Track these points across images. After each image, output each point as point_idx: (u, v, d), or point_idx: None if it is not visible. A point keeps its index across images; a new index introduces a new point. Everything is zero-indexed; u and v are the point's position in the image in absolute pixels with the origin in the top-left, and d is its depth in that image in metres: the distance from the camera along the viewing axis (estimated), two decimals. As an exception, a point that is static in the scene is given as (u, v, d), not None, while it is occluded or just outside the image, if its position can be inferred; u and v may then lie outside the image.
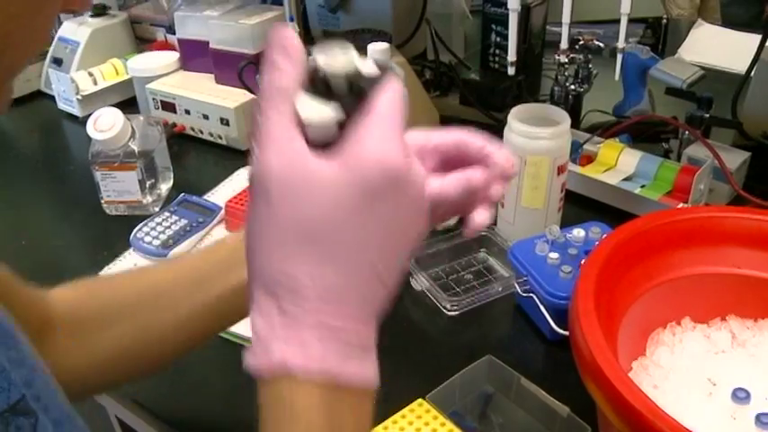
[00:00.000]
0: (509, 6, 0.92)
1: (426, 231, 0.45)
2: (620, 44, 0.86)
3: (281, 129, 0.39)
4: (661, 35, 1.58)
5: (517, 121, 0.91)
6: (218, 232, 1.06)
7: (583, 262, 0.70)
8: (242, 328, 0.84)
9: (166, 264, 0.64)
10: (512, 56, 0.96)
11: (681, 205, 0.97)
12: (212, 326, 0.65)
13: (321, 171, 0.39)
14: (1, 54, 0.38)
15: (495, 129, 1.16)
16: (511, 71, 0.98)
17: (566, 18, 0.87)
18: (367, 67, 0.42)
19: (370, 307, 0.41)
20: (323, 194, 0.38)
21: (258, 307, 0.40)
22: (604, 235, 0.86)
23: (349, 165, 0.39)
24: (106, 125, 1.04)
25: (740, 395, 0.62)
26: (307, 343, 0.39)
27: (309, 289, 0.39)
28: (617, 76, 0.91)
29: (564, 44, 0.92)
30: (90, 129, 1.04)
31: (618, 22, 0.94)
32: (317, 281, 0.39)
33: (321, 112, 0.40)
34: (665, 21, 1.57)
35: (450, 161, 0.52)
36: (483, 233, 0.99)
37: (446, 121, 1.30)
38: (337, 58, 0.40)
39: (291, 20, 1.24)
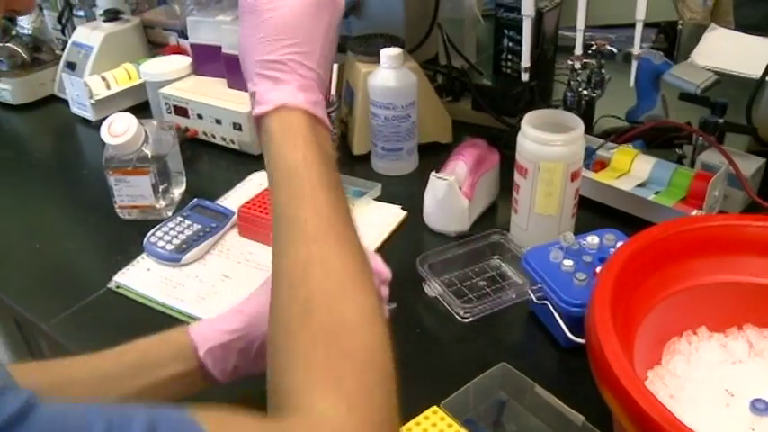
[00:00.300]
0: (523, 12, 0.91)
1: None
2: (636, 51, 0.85)
3: None
4: (675, 39, 1.57)
5: (530, 127, 0.91)
6: (230, 237, 1.06)
7: (599, 270, 0.70)
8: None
9: (84, 358, 0.66)
10: (526, 62, 0.96)
11: (695, 212, 0.96)
12: None
13: None
14: None
15: (508, 134, 1.18)
16: (525, 77, 0.98)
17: (580, 25, 0.87)
18: None
19: (324, 75, 0.64)
20: (293, 6, 0.62)
21: (255, 83, 0.62)
22: (619, 242, 0.86)
23: None
24: (120, 130, 1.04)
25: (759, 406, 0.62)
26: (294, 93, 0.61)
27: (292, 63, 0.62)
28: (632, 83, 0.91)
29: (578, 50, 0.92)
30: (104, 133, 1.05)
31: (630, 26, 0.93)
32: (295, 58, 0.62)
33: None
34: (679, 26, 1.56)
35: None
36: (496, 239, 0.98)
37: (458, 126, 1.30)
38: None
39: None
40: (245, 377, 0.70)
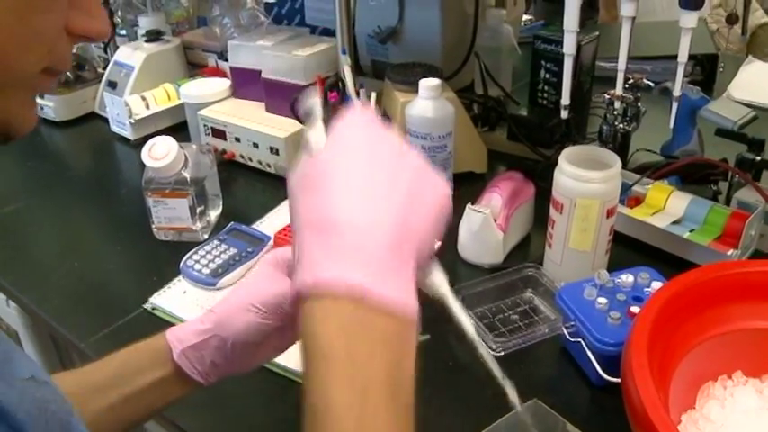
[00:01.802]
0: (565, 51, 0.92)
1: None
2: (676, 93, 0.85)
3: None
4: (711, 72, 1.57)
5: (567, 162, 0.92)
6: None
7: (636, 312, 0.70)
8: (285, 359, 0.86)
9: (73, 372, 0.68)
10: (565, 99, 0.96)
11: (731, 252, 0.96)
12: (109, 429, 0.68)
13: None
14: None
15: (543, 166, 1.18)
16: (564, 114, 0.98)
17: (621, 66, 0.87)
18: None
19: (404, 244, 0.47)
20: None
21: (302, 245, 0.47)
22: (653, 281, 0.86)
23: None
24: (161, 153, 1.06)
25: (795, 456, 0.61)
26: (343, 266, 0.44)
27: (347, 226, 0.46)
28: (671, 124, 0.91)
29: (619, 90, 0.92)
30: (145, 156, 1.07)
31: (666, 58, 0.93)
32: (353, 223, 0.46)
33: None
34: (721, 66, 1.56)
35: None
36: (530, 273, 0.99)
37: (493, 155, 1.30)
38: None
39: (344, 52, 1.25)
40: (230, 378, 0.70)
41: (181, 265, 1.05)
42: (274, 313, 0.63)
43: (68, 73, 1.59)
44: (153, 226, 1.14)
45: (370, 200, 0.47)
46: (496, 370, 0.56)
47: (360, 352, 0.43)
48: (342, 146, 0.51)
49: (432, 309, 0.84)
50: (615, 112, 1.17)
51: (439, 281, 0.53)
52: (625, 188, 1.06)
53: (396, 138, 0.51)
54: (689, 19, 0.82)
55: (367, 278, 0.44)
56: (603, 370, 0.79)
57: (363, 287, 0.44)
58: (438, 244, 0.52)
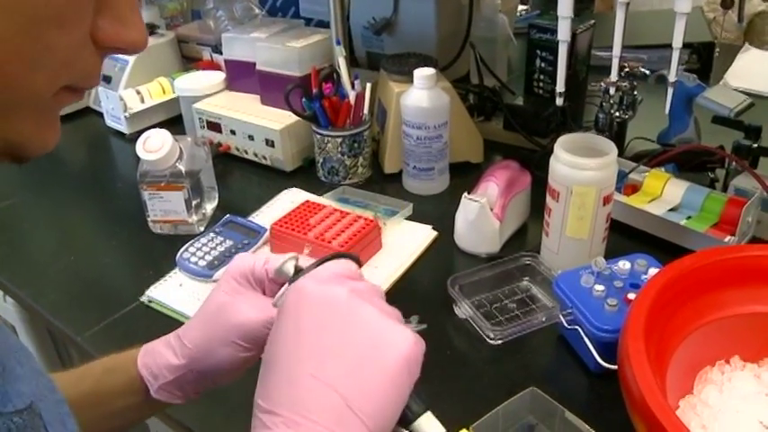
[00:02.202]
0: (559, 38, 0.91)
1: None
2: (672, 78, 0.85)
3: None
4: (708, 60, 1.57)
5: (563, 150, 0.91)
6: (262, 253, 1.06)
7: (632, 299, 0.69)
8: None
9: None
10: (560, 87, 0.95)
11: (728, 238, 0.96)
12: None
13: None
14: None
15: (539, 155, 1.18)
16: (559, 102, 0.98)
17: (616, 51, 0.87)
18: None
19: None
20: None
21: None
22: (650, 268, 0.85)
23: None
24: (155, 146, 1.06)
25: (793, 440, 0.61)
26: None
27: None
28: (667, 110, 0.91)
29: (613, 77, 0.92)
30: (139, 149, 1.06)
31: (662, 46, 0.93)
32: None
33: None
34: (717, 52, 1.56)
35: None
36: (526, 261, 0.99)
37: (489, 145, 1.30)
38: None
39: (338, 43, 1.24)
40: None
41: (177, 257, 1.04)
42: (256, 343, 0.59)
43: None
44: (148, 219, 1.13)
45: (331, 385, 0.46)
46: None
47: None
48: (306, 320, 0.49)
49: (428, 299, 0.84)
50: (611, 101, 1.17)
51: (429, 425, 0.50)
52: (622, 176, 1.06)
53: (371, 313, 0.49)
54: (684, 4, 0.82)
55: None
56: (601, 357, 0.79)
57: None
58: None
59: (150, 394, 0.63)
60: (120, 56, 1.51)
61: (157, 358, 0.63)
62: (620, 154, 1.15)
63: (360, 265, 0.56)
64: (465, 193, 1.03)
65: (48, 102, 0.39)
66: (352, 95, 1.20)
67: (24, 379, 0.42)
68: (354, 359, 0.47)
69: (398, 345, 0.47)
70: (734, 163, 1.07)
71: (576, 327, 0.82)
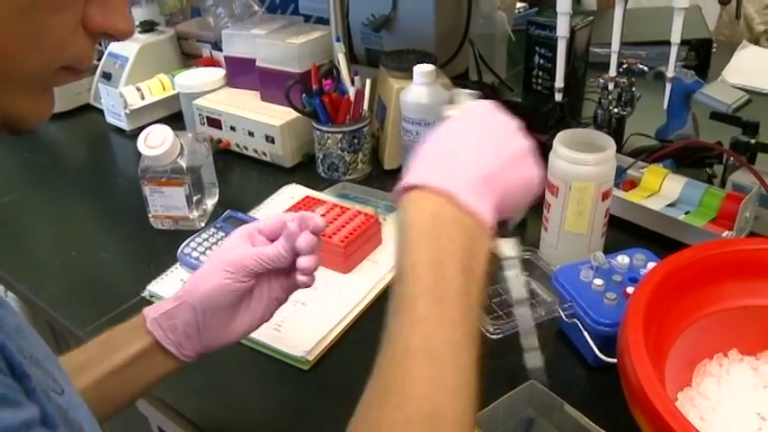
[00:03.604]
0: (558, 34, 0.92)
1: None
2: (669, 73, 0.86)
3: None
4: (705, 57, 1.57)
5: (562, 146, 0.92)
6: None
7: (631, 292, 0.70)
8: (280, 342, 0.86)
9: (63, 357, 0.70)
10: (559, 82, 0.96)
11: (726, 233, 0.96)
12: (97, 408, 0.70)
13: None
14: None
15: (538, 151, 1.18)
16: (558, 97, 0.98)
17: (615, 47, 0.87)
18: None
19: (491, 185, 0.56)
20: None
21: (413, 163, 0.57)
22: (649, 262, 0.86)
23: None
24: (156, 142, 1.06)
25: (790, 431, 0.62)
26: (443, 177, 0.55)
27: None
28: (665, 105, 0.91)
29: (612, 72, 0.92)
30: (140, 145, 1.07)
31: (660, 43, 0.93)
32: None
33: None
34: (714, 48, 1.56)
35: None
36: (526, 256, 0.99)
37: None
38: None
39: (338, 40, 1.25)
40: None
41: (178, 253, 1.05)
42: (239, 272, 0.69)
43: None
44: (149, 215, 1.14)
45: (476, 151, 0.57)
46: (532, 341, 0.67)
47: (444, 232, 0.53)
48: (469, 119, 0.61)
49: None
50: (610, 97, 1.18)
51: (510, 247, 0.64)
52: (620, 171, 1.06)
53: (513, 125, 0.61)
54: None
55: (459, 189, 0.54)
56: (600, 350, 0.80)
57: (455, 192, 0.53)
58: (520, 215, 0.64)
59: (152, 340, 0.69)
60: (121, 53, 1.52)
61: (158, 302, 0.72)
62: (619, 150, 1.16)
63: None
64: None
65: (46, 79, 0.45)
66: (351, 92, 1.20)
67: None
68: (503, 155, 0.57)
69: (534, 170, 0.60)
70: (732, 159, 1.08)
71: (575, 320, 0.83)
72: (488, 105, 0.63)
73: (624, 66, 1.18)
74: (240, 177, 1.33)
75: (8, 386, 0.38)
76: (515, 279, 0.64)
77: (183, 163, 1.09)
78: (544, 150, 0.96)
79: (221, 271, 0.68)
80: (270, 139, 1.28)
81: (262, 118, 1.28)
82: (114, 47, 1.54)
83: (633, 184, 1.09)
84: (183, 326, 0.69)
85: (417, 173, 0.56)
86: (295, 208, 1.09)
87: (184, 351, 0.70)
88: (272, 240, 0.73)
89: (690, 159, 1.15)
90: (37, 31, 0.41)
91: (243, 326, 0.71)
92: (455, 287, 0.52)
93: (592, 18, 1.31)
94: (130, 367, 0.68)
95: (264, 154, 1.31)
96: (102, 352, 0.69)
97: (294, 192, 1.21)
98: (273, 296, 0.73)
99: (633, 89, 1.18)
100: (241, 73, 1.39)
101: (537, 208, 0.99)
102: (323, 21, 1.46)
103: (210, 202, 1.19)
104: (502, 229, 0.60)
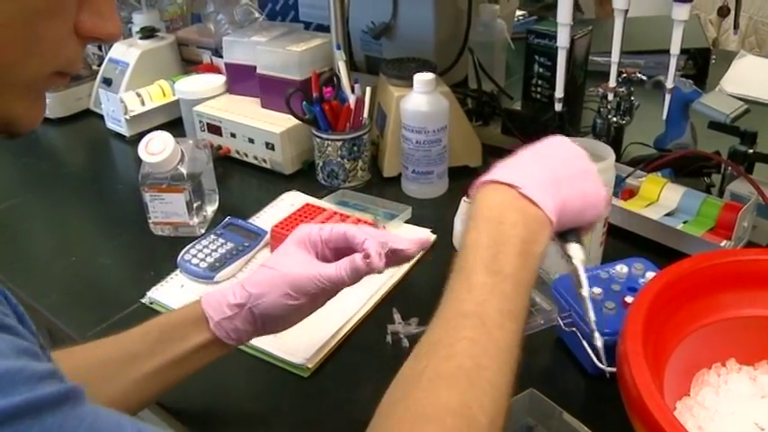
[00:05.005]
0: (558, 44, 0.93)
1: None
2: (669, 84, 0.86)
3: None
4: (704, 66, 1.58)
5: (562, 155, 0.92)
6: (263, 256, 1.07)
7: (630, 301, 0.70)
8: (279, 349, 0.86)
9: (111, 339, 0.74)
10: (559, 92, 0.97)
11: (724, 243, 0.97)
12: (143, 398, 0.74)
13: None
14: None
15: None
16: (558, 107, 0.99)
17: (615, 57, 0.88)
18: None
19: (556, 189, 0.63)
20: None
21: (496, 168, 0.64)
22: (647, 271, 0.86)
23: None
24: (157, 149, 1.07)
25: (788, 441, 0.62)
26: (516, 176, 0.62)
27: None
28: (664, 115, 0.92)
29: (612, 83, 0.93)
30: (141, 151, 1.07)
31: (659, 52, 0.94)
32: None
33: None
34: (713, 59, 1.57)
35: (341, 250, 0.75)
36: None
37: (487, 149, 1.31)
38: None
39: (338, 48, 1.26)
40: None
41: (178, 259, 1.05)
42: (303, 295, 0.72)
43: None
44: (150, 221, 1.14)
45: (547, 160, 0.65)
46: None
47: (508, 218, 0.60)
48: (544, 143, 0.69)
49: (427, 301, 0.84)
50: (609, 106, 1.18)
51: (577, 252, 0.69)
52: (619, 181, 1.07)
53: (583, 152, 0.68)
54: (681, 11, 0.83)
55: (527, 185, 0.61)
56: (599, 359, 0.80)
57: (523, 186, 0.61)
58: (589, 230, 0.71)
59: (212, 335, 0.72)
60: (121, 59, 1.52)
61: (218, 297, 0.73)
62: (618, 159, 1.16)
63: None
64: (464, 198, 1.03)
65: (39, 84, 0.46)
66: (352, 99, 1.21)
67: None
68: (571, 169, 0.66)
69: (601, 192, 0.68)
70: (730, 168, 1.08)
71: (574, 329, 0.83)
72: (563, 137, 0.70)
73: (623, 75, 1.18)
74: (240, 184, 1.33)
75: (29, 341, 0.41)
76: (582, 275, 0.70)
77: (183, 170, 1.10)
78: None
79: (284, 293, 0.71)
80: (270, 146, 1.28)
81: (262, 125, 1.29)
82: (115, 53, 1.54)
83: (632, 194, 1.10)
84: (244, 326, 0.72)
85: (494, 173, 0.64)
86: (295, 215, 1.09)
87: (240, 342, 0.74)
88: (336, 250, 0.76)
89: (688, 169, 1.15)
90: (35, 37, 0.43)
91: (295, 321, 0.76)
92: (511, 264, 0.58)
93: (591, 27, 1.31)
94: (191, 356, 0.72)
95: (264, 161, 1.31)
96: (162, 341, 0.72)
97: (294, 199, 1.21)
98: (324, 298, 0.76)
99: (632, 98, 1.19)
100: (241, 80, 1.39)
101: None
102: (322, 28, 1.46)
103: (211, 209, 1.19)
104: (571, 237, 0.69)
